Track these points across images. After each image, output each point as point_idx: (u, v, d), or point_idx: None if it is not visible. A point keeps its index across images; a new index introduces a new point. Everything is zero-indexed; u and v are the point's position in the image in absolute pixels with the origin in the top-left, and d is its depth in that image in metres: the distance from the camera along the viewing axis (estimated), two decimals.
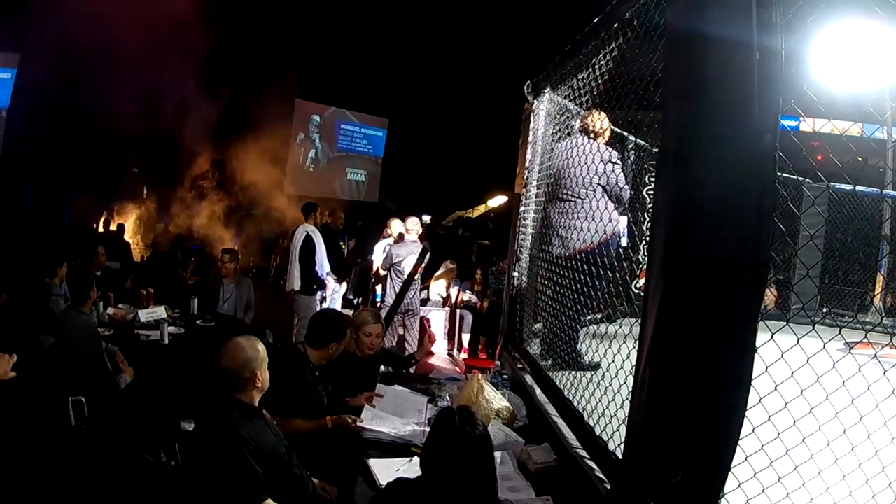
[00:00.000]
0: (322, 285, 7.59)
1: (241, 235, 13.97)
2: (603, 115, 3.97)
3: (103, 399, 3.65)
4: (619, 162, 3.95)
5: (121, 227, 12.73)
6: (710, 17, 1.80)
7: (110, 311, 6.26)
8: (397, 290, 7.21)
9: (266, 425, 2.82)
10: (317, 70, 14.34)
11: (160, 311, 6.03)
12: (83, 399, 3.35)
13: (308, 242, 7.39)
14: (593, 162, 3.78)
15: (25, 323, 4.13)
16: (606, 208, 3.75)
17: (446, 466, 2.21)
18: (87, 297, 4.94)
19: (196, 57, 12.07)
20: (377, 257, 8.14)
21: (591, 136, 3.96)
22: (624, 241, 4.21)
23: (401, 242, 7.46)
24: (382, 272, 7.66)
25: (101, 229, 12.76)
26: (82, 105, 11.39)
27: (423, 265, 7.43)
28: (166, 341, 5.45)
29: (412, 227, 7.44)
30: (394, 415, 3.60)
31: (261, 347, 2.86)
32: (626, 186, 3.96)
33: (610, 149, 3.95)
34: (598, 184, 3.86)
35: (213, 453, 2.60)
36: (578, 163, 3.89)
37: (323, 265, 7.55)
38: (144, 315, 5.94)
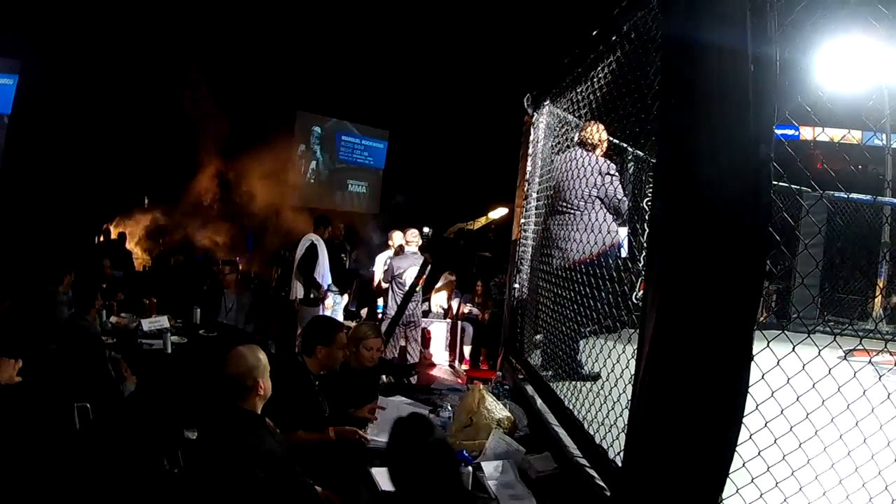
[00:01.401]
0: (318, 288, 7.58)
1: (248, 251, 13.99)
2: (600, 126, 3.99)
3: (107, 406, 3.66)
4: (616, 174, 3.97)
5: (122, 236, 12.77)
6: (705, 28, 1.82)
7: (113, 319, 6.29)
8: (399, 302, 7.22)
9: (268, 433, 2.84)
10: (318, 82, 14.38)
11: (163, 321, 6.06)
12: (88, 405, 3.37)
13: (311, 251, 7.41)
14: (591, 174, 3.81)
15: (30, 329, 4.16)
16: (605, 220, 3.77)
17: (410, 475, 2.26)
18: (92, 306, 4.98)
19: (198, 67, 12.15)
20: (378, 269, 8.16)
21: (589, 147, 3.99)
22: (623, 253, 4.22)
23: (401, 255, 7.48)
24: (384, 285, 7.66)
25: (101, 238, 12.78)
26: (83, 112, 11.44)
27: (424, 277, 7.44)
28: (169, 350, 5.48)
29: (412, 238, 7.46)
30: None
31: (262, 356, 2.88)
32: (624, 198, 3.98)
33: (607, 161, 3.97)
34: (596, 196, 3.89)
35: (216, 462, 2.61)
36: (576, 175, 3.92)
37: (325, 276, 7.56)
38: (147, 324, 5.96)
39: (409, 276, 7.21)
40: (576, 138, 4.14)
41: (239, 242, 14.17)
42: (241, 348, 2.88)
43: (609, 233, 3.69)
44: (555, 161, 4.37)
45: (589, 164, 3.84)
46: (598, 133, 3.98)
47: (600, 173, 3.83)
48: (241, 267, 9.80)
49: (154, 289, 7.55)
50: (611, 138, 4.17)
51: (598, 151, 4.00)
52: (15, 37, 11.05)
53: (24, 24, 10.87)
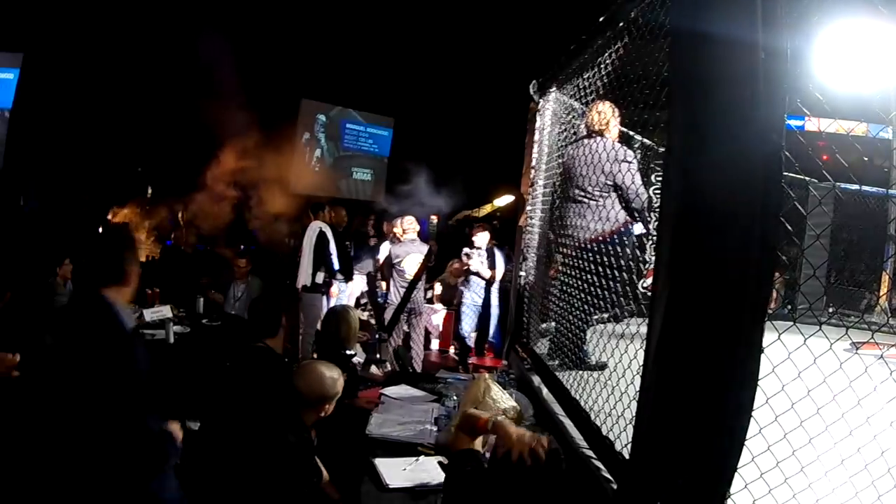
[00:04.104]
0: (332, 271, 7.57)
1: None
2: (612, 106, 3.86)
3: (107, 398, 3.64)
4: (632, 161, 3.85)
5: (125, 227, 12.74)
6: (715, 16, 1.79)
7: None
8: (399, 290, 7.22)
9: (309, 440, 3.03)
10: (322, 70, 14.33)
11: (165, 311, 6.04)
12: (86, 399, 3.35)
13: (322, 238, 7.41)
14: (606, 161, 3.72)
15: (29, 322, 4.14)
16: (614, 208, 3.71)
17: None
18: None
19: (201, 57, 12.10)
20: (382, 256, 8.15)
21: (601, 130, 3.88)
22: (638, 229, 4.08)
23: (399, 242, 7.46)
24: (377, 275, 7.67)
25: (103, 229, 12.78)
26: (85, 106, 11.43)
27: (429, 264, 7.42)
28: (172, 340, 5.47)
29: (408, 226, 7.46)
30: (401, 416, 3.62)
31: (340, 385, 3.06)
32: (642, 188, 3.84)
33: (624, 147, 3.87)
34: (610, 185, 3.80)
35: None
36: (590, 162, 3.83)
37: (334, 263, 7.55)
38: (150, 314, 5.95)
39: (408, 264, 7.19)
40: (584, 123, 4.03)
41: (244, 231, 14.13)
42: (326, 373, 3.02)
43: (617, 220, 3.65)
44: (568, 148, 4.28)
45: (604, 151, 3.74)
46: (611, 112, 3.86)
47: (618, 160, 3.74)
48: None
49: (159, 278, 7.52)
50: (619, 126, 4.10)
51: (608, 134, 3.90)
52: (16, 31, 11.03)
53: (25, 18, 10.85)
